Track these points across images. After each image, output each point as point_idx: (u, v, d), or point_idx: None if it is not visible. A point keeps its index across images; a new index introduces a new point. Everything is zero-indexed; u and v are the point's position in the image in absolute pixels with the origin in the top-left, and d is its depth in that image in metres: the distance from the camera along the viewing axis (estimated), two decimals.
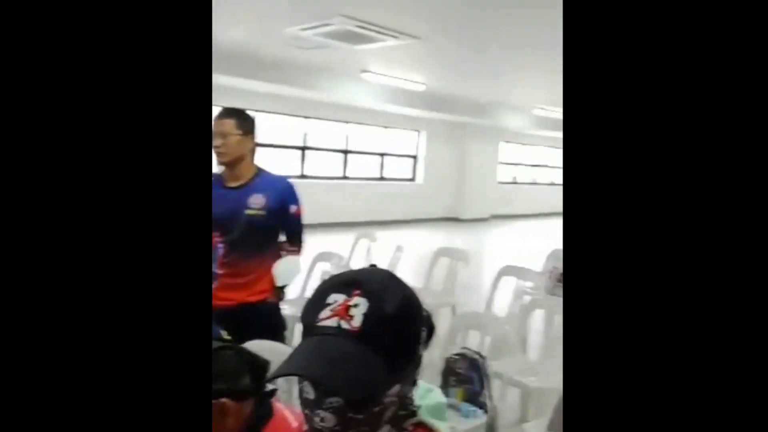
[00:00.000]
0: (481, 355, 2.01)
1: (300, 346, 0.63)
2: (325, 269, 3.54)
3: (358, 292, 0.61)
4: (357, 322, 0.60)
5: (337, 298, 0.62)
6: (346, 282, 0.64)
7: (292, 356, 0.62)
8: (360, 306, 0.61)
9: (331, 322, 0.61)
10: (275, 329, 2.01)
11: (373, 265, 0.72)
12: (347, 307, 0.61)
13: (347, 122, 9.30)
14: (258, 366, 0.93)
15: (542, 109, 9.38)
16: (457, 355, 2.02)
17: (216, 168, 1.99)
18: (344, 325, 0.60)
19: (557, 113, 9.72)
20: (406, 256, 3.95)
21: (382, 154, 10.13)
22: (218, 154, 1.92)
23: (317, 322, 0.62)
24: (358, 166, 9.79)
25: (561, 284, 3.97)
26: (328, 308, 0.61)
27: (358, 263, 4.16)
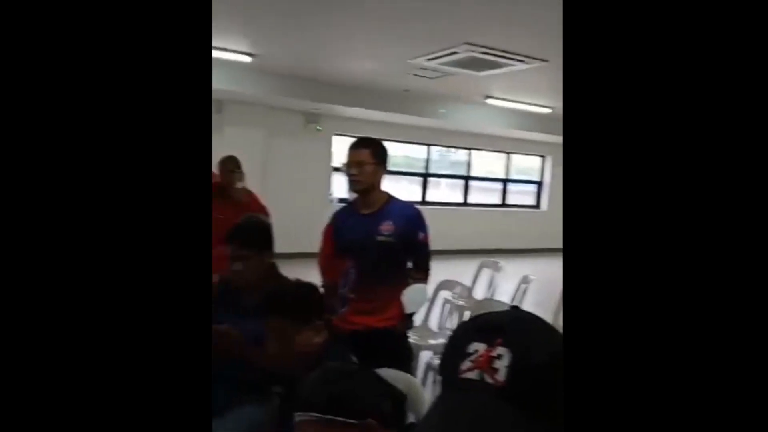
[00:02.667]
0: None
1: (441, 402, 0.59)
2: (447, 297, 3.49)
3: (500, 341, 0.56)
4: (501, 375, 0.55)
5: (477, 348, 0.57)
6: (486, 328, 0.59)
7: (434, 416, 0.57)
8: (503, 357, 0.55)
9: (474, 375, 0.56)
10: (402, 358, 2.00)
11: (515, 307, 0.66)
12: (489, 359, 0.56)
13: (470, 149, 9.24)
14: (396, 395, 0.91)
15: None
16: None
17: (349, 195, 2.07)
18: (488, 378, 0.55)
19: None
20: (533, 289, 3.75)
21: (504, 180, 9.88)
22: (353, 182, 2.00)
23: (459, 374, 0.57)
24: (480, 193, 9.65)
25: None
26: (469, 359, 0.57)
27: (481, 293, 4.05)
